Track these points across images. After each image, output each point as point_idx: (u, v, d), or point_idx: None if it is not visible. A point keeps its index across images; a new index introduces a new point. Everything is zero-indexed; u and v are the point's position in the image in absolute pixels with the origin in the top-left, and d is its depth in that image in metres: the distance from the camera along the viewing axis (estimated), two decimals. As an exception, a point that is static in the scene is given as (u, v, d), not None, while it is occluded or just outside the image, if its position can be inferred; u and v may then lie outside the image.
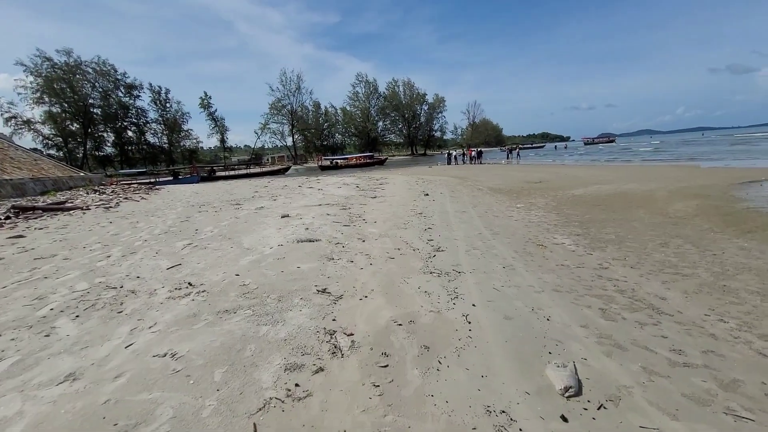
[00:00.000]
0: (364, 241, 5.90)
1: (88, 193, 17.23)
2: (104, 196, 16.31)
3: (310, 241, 5.71)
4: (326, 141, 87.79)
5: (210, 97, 73.92)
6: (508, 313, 3.36)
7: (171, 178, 39.16)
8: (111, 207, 11.84)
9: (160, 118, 68.97)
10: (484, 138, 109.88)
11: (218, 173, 44.00)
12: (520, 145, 60.31)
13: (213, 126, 75.64)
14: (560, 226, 7.78)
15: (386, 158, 62.56)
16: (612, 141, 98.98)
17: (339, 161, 52.94)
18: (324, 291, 3.71)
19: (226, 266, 4.52)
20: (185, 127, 71.57)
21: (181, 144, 72.45)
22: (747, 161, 21.42)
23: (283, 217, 8.04)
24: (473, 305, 3.49)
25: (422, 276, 4.30)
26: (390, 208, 9.61)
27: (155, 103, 68.04)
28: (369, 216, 8.34)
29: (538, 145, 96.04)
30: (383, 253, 5.17)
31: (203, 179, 38.52)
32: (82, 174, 24.17)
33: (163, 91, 68.31)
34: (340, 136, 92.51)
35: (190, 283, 3.91)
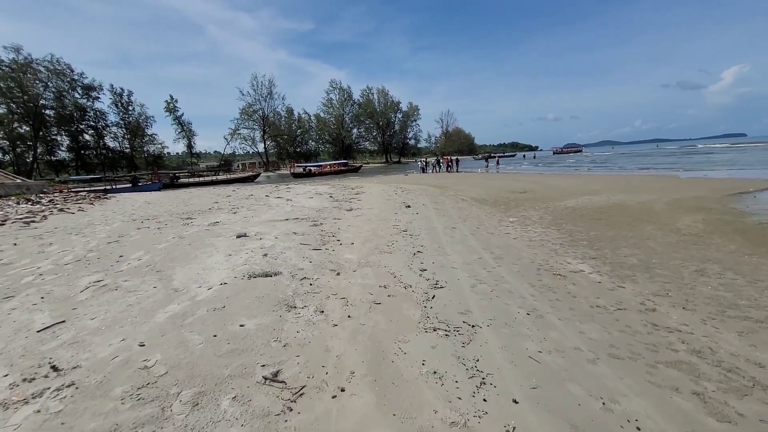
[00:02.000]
0: (338, 273, 4.53)
1: (18, 203, 14.90)
2: (37, 206, 14.08)
3: (267, 275, 4.28)
4: (299, 148, 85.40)
5: (176, 101, 70.31)
6: (572, 416, 2.09)
7: (129, 185, 36.23)
8: (35, 221, 9.87)
9: (122, 122, 64.66)
10: (457, 147, 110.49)
11: (182, 180, 41.24)
12: (499, 154, 60.22)
13: (179, 131, 71.98)
14: (567, 246, 6.69)
15: (361, 166, 61.21)
16: (579, 151, 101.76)
17: (312, 168, 51.14)
18: (275, 378, 2.32)
19: (133, 325, 3.03)
20: (149, 132, 67.52)
21: (145, 149, 68.30)
22: (713, 172, 21.53)
23: (238, 237, 6.54)
24: (514, 401, 2.20)
25: (423, 336, 2.98)
26: (369, 223, 8.27)
27: (116, 106, 63.71)
28: (344, 235, 6.96)
29: (509, 154, 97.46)
30: (365, 294, 3.82)
31: (165, 186, 35.85)
32: (18, 180, 21.44)
33: (125, 93, 64.27)
34: (313, 143, 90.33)
35: (54, 367, 2.41)
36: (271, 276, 4.27)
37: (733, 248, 6.21)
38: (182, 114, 71.34)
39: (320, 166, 53.59)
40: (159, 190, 32.02)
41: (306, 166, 52.56)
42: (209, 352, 2.58)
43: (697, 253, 5.98)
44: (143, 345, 2.68)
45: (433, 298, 3.89)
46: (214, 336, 2.81)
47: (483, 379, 2.41)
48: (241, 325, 2.99)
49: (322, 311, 3.35)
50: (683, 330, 3.42)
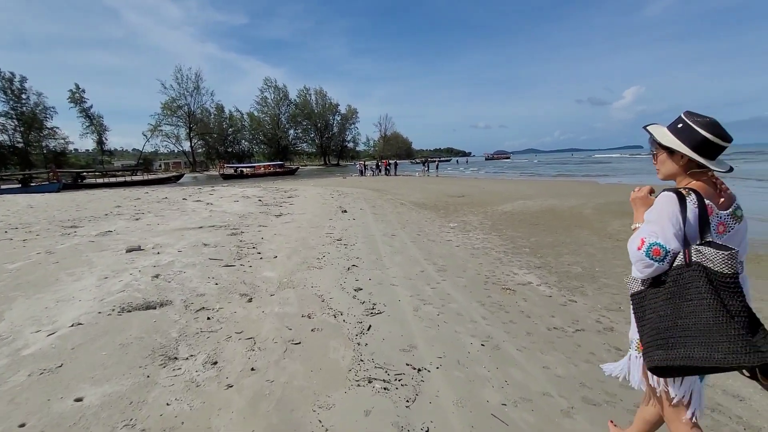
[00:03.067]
0: (251, 300, 3.58)
1: None
2: None
3: (149, 307, 3.20)
4: (231, 147, 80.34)
5: (83, 91, 62.25)
6: None
7: (19, 185, 30.98)
8: None
9: (12, 112, 55.58)
10: (395, 150, 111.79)
11: (88, 180, 36.29)
12: (439, 158, 61.66)
13: (88, 125, 63.76)
14: (511, 254, 6.35)
15: (298, 168, 59.05)
16: (508, 157, 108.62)
17: (244, 169, 48.11)
18: None
19: None
20: (49, 125, 58.89)
21: (43, 144, 59.42)
22: (626, 178, 23.67)
23: (129, 251, 5.25)
24: None
25: (355, 394, 2.19)
26: (298, 231, 7.31)
27: (5, 93, 54.60)
28: (267, 246, 5.96)
29: (445, 159, 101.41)
30: (281, 330, 2.94)
31: (67, 187, 31.14)
32: None
33: (16, 79, 55.36)
34: (246, 143, 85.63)
35: None
36: (155, 308, 3.20)
37: (665, 253, 6.29)
38: (91, 106, 63.42)
39: (254, 167, 50.60)
40: (58, 191, 27.66)
41: (238, 167, 49.35)
42: (-4, 465, 1.55)
43: (634, 260, 5.94)
44: None
45: (368, 329, 3.13)
46: (21, 426, 1.76)
47: (437, 467, 1.68)
48: (77, 400, 1.97)
49: (215, 362, 2.42)
50: (648, 354, 3.03)
